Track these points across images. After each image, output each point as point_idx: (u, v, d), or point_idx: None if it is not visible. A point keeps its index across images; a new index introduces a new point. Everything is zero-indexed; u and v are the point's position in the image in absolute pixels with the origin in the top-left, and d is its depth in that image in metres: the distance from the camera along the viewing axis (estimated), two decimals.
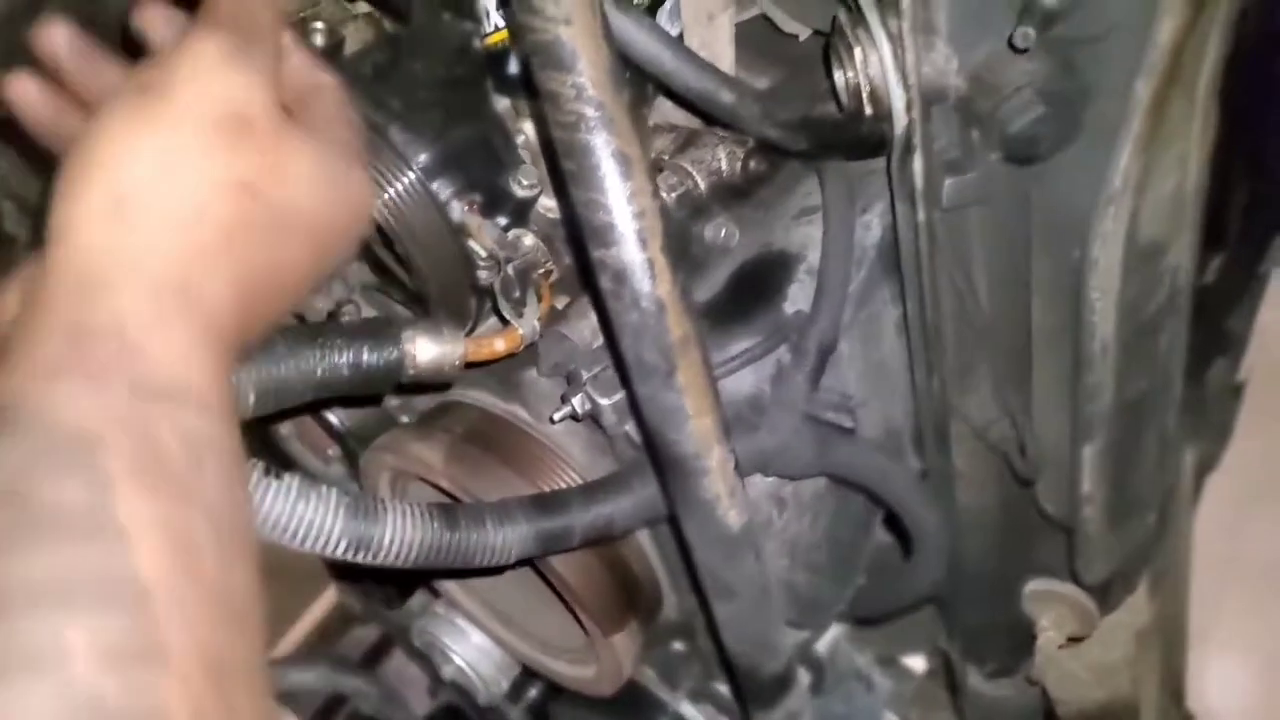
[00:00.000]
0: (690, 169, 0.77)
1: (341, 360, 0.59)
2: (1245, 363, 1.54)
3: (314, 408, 0.77)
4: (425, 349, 0.61)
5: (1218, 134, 0.82)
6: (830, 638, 0.99)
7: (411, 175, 0.68)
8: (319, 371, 0.58)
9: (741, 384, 0.75)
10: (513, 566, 0.67)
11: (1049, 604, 1.00)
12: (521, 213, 0.76)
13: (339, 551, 0.58)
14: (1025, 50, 0.61)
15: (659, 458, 0.59)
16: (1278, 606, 1.87)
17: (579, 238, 0.55)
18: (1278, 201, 1.15)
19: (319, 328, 0.59)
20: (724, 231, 0.79)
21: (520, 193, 0.76)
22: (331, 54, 0.78)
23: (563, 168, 0.53)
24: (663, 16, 0.76)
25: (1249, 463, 1.72)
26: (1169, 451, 0.96)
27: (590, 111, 0.51)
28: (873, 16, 0.66)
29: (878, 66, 0.67)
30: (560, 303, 0.78)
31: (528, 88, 0.69)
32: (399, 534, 0.59)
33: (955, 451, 0.86)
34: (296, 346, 0.57)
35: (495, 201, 0.74)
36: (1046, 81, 0.66)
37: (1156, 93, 0.66)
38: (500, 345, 0.65)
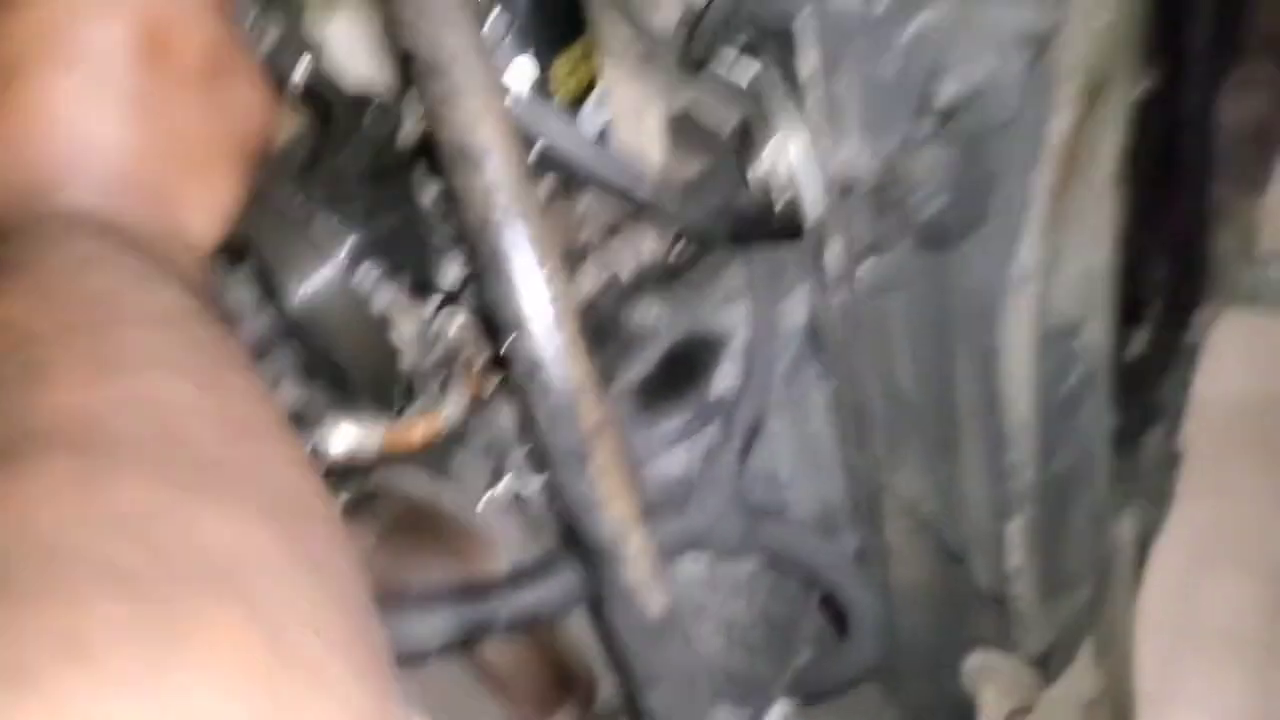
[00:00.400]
0: (617, 255, 0.79)
1: None
2: (1186, 430, 1.57)
3: None
4: (339, 440, 0.61)
5: (1127, 215, 0.85)
6: (775, 715, 0.98)
7: (333, 265, 0.69)
8: None
9: (671, 464, 0.76)
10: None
11: (989, 678, 1.01)
12: (449, 296, 0.77)
13: None
14: (927, 143, 0.63)
15: (578, 545, 0.59)
16: (1232, 674, 1.88)
17: (492, 326, 0.56)
18: (1196, 277, 1.19)
19: None
20: (651, 316, 0.81)
21: (447, 277, 0.77)
22: None
23: (474, 261, 0.54)
24: (588, 109, 0.79)
25: (1198, 529, 1.75)
26: (1101, 524, 0.98)
27: (500, 208, 0.52)
28: (784, 111, 0.69)
29: (791, 158, 0.70)
30: (489, 383, 0.79)
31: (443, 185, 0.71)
32: None
33: (888, 527, 0.87)
34: None
35: (421, 287, 0.75)
36: (952, 170, 0.69)
37: (1057, 180, 0.69)
38: (420, 433, 0.66)
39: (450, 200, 0.69)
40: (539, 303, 0.53)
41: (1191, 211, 1.10)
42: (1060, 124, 0.67)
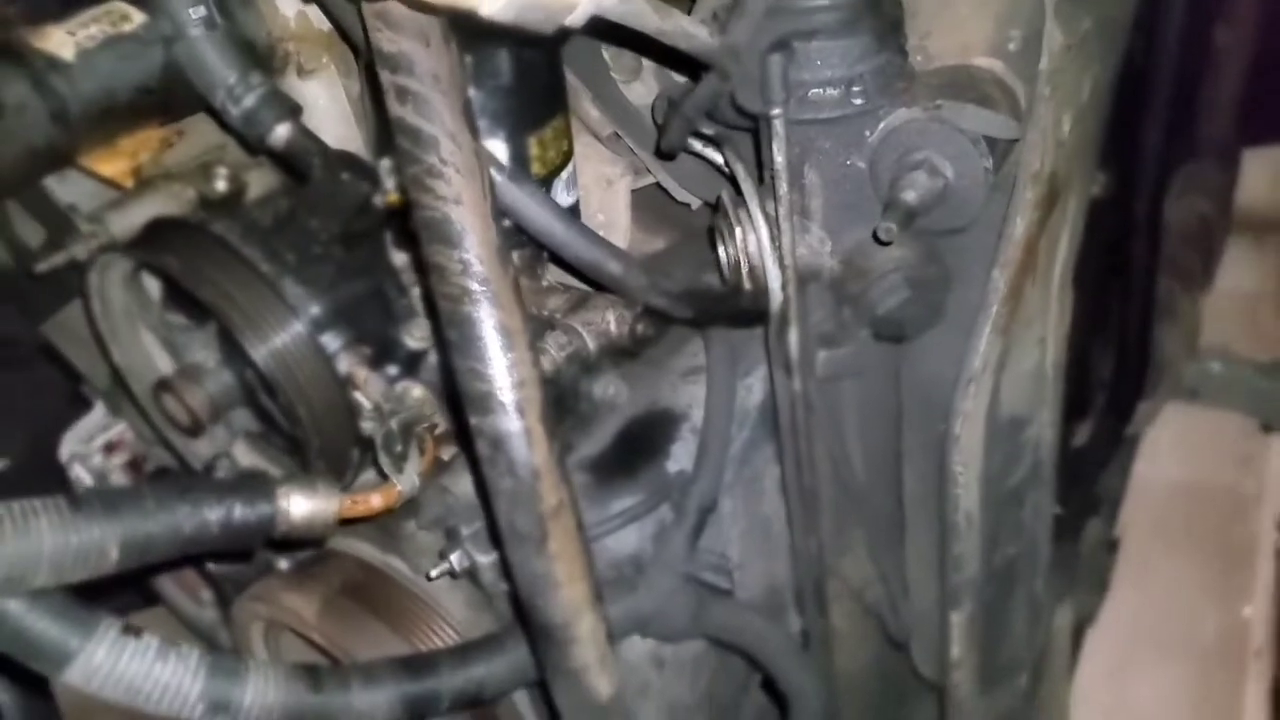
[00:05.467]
0: (581, 329, 0.79)
1: (212, 517, 0.58)
2: (1121, 517, 1.61)
3: (183, 562, 0.75)
4: (299, 505, 0.60)
5: (1076, 315, 0.88)
6: None
7: (300, 327, 0.68)
8: (187, 528, 0.57)
9: (623, 542, 0.76)
10: None
11: None
12: (413, 364, 0.77)
13: (197, 715, 0.56)
14: (889, 243, 0.65)
15: (529, 624, 0.59)
16: None
17: (457, 401, 0.56)
18: (1138, 373, 1.23)
19: (190, 482, 0.59)
20: (612, 389, 0.81)
21: (412, 344, 0.77)
22: (233, 200, 0.80)
23: (446, 336, 0.54)
24: (560, 184, 0.80)
25: (1129, 614, 1.78)
26: (1039, 614, 0.99)
27: (475, 286, 0.52)
28: (752, 201, 0.70)
29: (756, 246, 0.71)
30: (447, 453, 0.78)
31: (415, 256, 0.71)
32: (261, 697, 0.58)
33: (833, 611, 0.88)
34: (165, 501, 0.56)
35: (385, 353, 0.75)
36: (912, 268, 0.70)
37: (1012, 282, 0.71)
38: (376, 502, 0.65)
39: (421, 273, 0.70)
40: (508, 382, 0.53)
41: (1139, 309, 1.14)
42: (1020, 227, 0.69)
